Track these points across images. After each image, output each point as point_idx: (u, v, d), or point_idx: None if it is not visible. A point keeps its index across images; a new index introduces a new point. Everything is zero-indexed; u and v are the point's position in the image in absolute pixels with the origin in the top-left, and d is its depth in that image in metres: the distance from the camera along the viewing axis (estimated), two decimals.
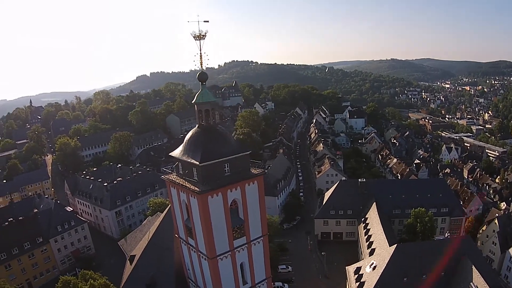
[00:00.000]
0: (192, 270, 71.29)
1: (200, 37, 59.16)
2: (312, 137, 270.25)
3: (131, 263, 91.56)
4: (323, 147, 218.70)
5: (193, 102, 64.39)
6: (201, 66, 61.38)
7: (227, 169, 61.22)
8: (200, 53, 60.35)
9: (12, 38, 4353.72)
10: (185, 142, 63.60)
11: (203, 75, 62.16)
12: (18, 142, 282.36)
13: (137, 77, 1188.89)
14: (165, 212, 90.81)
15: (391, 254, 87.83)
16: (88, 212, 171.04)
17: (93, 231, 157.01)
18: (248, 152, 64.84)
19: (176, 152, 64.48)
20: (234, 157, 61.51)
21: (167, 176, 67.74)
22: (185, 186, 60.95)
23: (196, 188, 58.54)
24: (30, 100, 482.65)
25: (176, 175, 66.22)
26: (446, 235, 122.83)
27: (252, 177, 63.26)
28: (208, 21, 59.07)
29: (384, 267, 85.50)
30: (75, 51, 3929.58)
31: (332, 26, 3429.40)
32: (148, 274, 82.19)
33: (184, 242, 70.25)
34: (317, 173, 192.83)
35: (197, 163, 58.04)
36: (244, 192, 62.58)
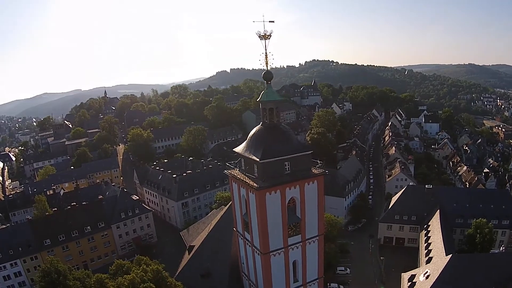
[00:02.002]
0: (246, 264, 73.09)
1: (265, 37, 59.98)
2: (386, 140, 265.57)
3: (189, 253, 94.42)
4: (395, 151, 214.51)
5: (258, 100, 65.72)
6: (266, 66, 62.21)
7: (288, 167, 61.91)
8: (266, 53, 61.20)
9: (99, 32, 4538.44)
10: (248, 139, 65.09)
11: (268, 74, 63.10)
12: (90, 131, 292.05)
13: (217, 72, 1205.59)
14: (227, 206, 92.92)
15: (445, 264, 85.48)
16: (155, 202, 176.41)
17: (158, 220, 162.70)
18: (310, 152, 65.19)
19: (240, 148, 66.16)
20: (295, 156, 62.06)
21: (229, 171, 69.62)
22: (245, 181, 62.65)
23: (254, 184, 59.91)
24: (105, 91, 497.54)
25: (238, 171, 67.90)
26: (501, 248, 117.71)
27: (312, 177, 63.49)
28: (273, 21, 59.85)
29: (436, 276, 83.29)
30: (157, 46, 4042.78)
31: (410, 28, 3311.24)
32: (204, 265, 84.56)
33: (241, 236, 72.06)
34: (387, 176, 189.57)
35: (258, 159, 59.37)
36: (303, 191, 62.97)
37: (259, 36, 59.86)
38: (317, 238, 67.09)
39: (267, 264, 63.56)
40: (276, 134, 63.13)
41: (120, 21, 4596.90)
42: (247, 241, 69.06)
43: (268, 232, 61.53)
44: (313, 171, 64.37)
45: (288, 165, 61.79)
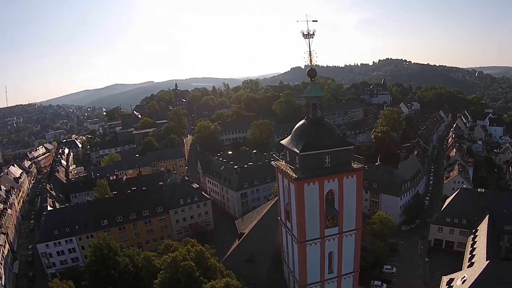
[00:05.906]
0: (287, 252, 76.12)
1: (309, 35, 62.79)
2: (449, 142, 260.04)
3: (238, 240, 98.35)
4: (455, 153, 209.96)
5: (302, 96, 68.53)
6: (310, 63, 65.05)
7: (327, 161, 64.29)
8: (309, 51, 64.07)
9: (175, 27, 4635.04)
10: (293, 132, 68.25)
11: (312, 71, 66.04)
12: (158, 121, 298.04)
13: (291, 68, 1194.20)
14: (277, 197, 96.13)
15: (481, 269, 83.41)
16: (215, 191, 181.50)
17: (218, 209, 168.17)
18: (350, 147, 67.51)
19: (285, 141, 69.49)
20: (335, 150, 64.25)
21: (275, 162, 72.93)
22: (287, 172, 65.81)
23: (294, 175, 63.08)
24: (176, 83, 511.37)
25: (283, 162, 71.12)
26: None
27: (351, 171, 65.35)
28: (316, 21, 62.46)
29: (472, 281, 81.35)
30: (231, 41, 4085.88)
31: (480, 28, 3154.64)
32: (250, 251, 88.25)
33: (283, 225, 75.31)
34: (445, 178, 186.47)
35: (298, 151, 62.65)
36: (342, 184, 65.04)
37: (303, 35, 62.64)
38: (355, 231, 68.87)
39: (303, 253, 66.23)
40: (318, 128, 65.81)
41: (196, 18, 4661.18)
42: (288, 230, 72.18)
43: (305, 222, 64.33)
44: (353, 165, 66.19)
45: (328, 158, 64.09)
